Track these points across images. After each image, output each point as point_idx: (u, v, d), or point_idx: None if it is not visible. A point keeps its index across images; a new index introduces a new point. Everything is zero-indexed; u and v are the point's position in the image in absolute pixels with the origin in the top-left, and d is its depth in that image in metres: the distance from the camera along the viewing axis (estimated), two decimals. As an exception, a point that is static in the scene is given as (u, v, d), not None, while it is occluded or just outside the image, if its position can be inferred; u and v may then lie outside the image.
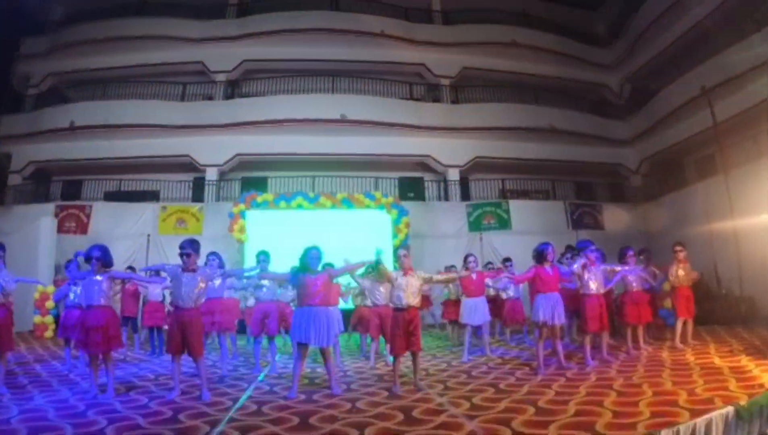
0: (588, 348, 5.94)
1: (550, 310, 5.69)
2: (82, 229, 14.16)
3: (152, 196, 15.75)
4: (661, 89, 14.92)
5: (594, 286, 6.07)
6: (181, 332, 4.81)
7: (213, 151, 15.48)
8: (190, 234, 12.99)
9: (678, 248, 7.05)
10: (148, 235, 13.76)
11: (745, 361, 5.37)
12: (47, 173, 16.59)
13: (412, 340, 5.09)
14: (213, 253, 6.48)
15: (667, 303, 8.68)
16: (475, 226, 14.10)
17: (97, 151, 15.55)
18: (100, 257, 4.97)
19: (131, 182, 15.99)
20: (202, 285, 4.95)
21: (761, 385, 4.24)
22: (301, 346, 4.94)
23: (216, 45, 16.14)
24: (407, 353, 5.18)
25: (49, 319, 10.84)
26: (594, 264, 6.19)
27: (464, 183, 15.93)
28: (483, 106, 16.04)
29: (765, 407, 3.89)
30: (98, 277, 4.96)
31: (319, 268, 5.12)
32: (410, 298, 5.13)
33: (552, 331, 5.75)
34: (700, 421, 3.49)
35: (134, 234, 13.89)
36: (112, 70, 16.35)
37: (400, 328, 5.09)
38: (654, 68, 15.69)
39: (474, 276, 6.96)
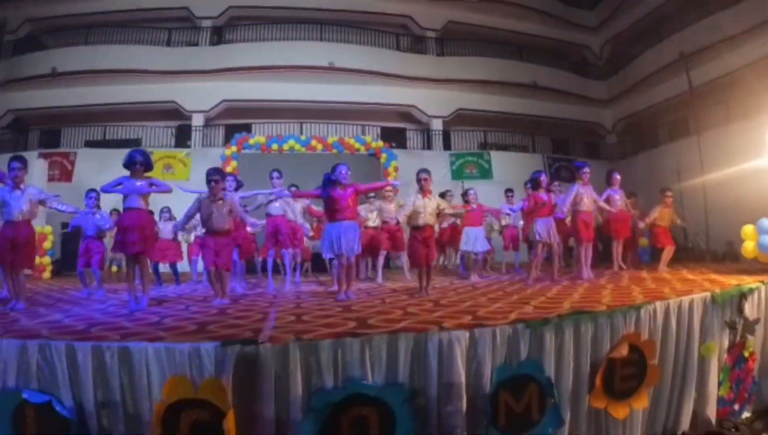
0: (582, 260, 6.76)
1: (547, 230, 6.50)
2: (66, 176, 14.07)
3: (134, 144, 15.57)
4: (639, 53, 15.76)
5: (587, 202, 6.88)
6: (216, 252, 5.26)
7: (199, 97, 15.51)
8: (177, 179, 13.04)
9: (668, 194, 7.84)
10: None
11: (714, 276, 6.22)
12: (25, 123, 16.32)
13: (430, 253, 5.71)
14: (230, 175, 6.88)
15: (644, 241, 9.62)
16: (458, 174, 14.76)
17: (80, 98, 15.35)
18: (144, 162, 5.17)
19: (112, 131, 15.92)
20: (231, 210, 5.44)
21: (730, 284, 5.04)
22: (339, 257, 5.41)
23: (202, -11, 15.95)
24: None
25: (47, 259, 10.92)
26: (587, 184, 6.99)
27: (446, 135, 16.54)
28: (468, 59, 16.55)
29: (735, 297, 4.71)
30: (139, 182, 5.12)
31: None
32: (428, 217, 5.75)
33: (551, 248, 6.53)
34: (685, 299, 4.26)
35: None
36: (93, 16, 15.99)
37: (419, 242, 5.72)
38: (634, 33, 16.48)
39: (474, 207, 7.63)
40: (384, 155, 12.96)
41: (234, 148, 12.63)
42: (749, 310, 4.81)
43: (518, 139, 17.42)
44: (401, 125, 16.91)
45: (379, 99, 15.76)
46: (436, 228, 7.26)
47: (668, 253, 7.76)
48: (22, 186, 5.20)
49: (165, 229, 8.34)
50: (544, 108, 16.78)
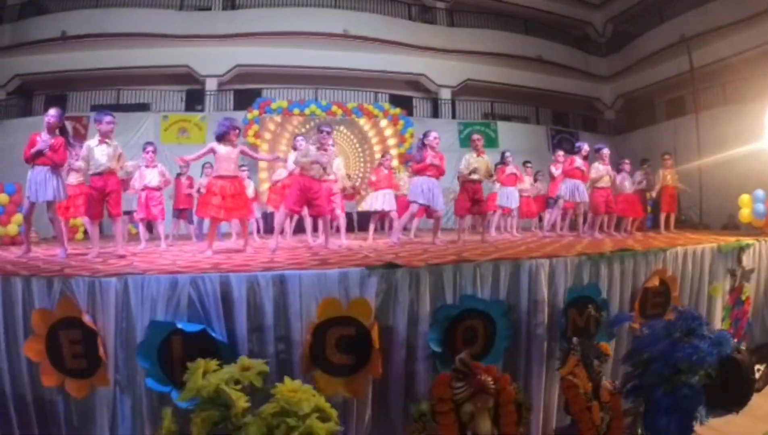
0: (597, 226, 7.83)
1: (572, 191, 7.60)
2: (80, 139, 14.26)
3: (143, 108, 15.93)
4: (640, 33, 16.76)
5: (606, 179, 7.91)
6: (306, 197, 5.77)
7: (213, 61, 15.89)
8: (193, 143, 13.41)
9: (666, 157, 8.94)
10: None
11: (715, 236, 7.34)
12: (29, 88, 16.38)
13: (481, 206, 6.72)
14: (300, 135, 7.61)
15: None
16: (466, 142, 15.57)
17: (90, 62, 15.48)
18: (238, 129, 5.70)
19: (120, 95, 16.13)
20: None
21: (731, 240, 6.15)
22: (415, 206, 6.38)
23: (212, -47, 16.15)
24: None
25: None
26: (607, 163, 8.01)
27: (451, 104, 17.34)
28: (476, 31, 17.29)
29: (735, 249, 5.81)
30: (232, 152, 5.55)
31: None
32: (482, 174, 6.74)
33: (575, 209, 7.60)
34: (698, 247, 5.34)
35: (135, 143, 13.53)
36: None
37: (467, 194, 6.72)
38: (636, 12, 17.47)
39: (508, 169, 8.76)
40: (401, 122, 13.84)
41: (256, 112, 13.29)
42: (746, 261, 5.93)
43: (519, 111, 18.38)
44: (408, 93, 17.67)
45: (390, 67, 16.44)
46: None
47: (670, 219, 8.89)
48: (108, 140, 5.50)
49: None
50: (547, 81, 17.72)
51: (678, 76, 14.94)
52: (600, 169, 7.93)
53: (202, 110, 15.83)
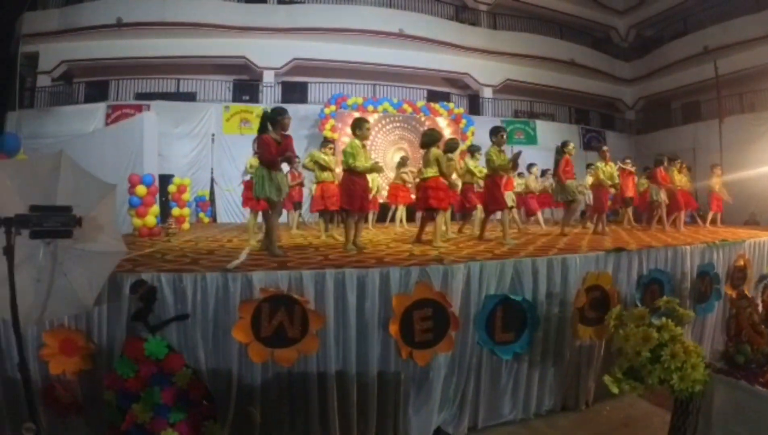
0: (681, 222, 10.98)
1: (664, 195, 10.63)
2: None
3: (189, 97, 17.63)
4: (663, 39, 20.08)
5: (681, 181, 11.00)
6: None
7: (271, 54, 17.93)
8: (255, 134, 15.36)
9: (716, 168, 12.14)
10: (213, 135, 16.03)
11: (756, 231, 10.58)
12: (70, 74, 17.82)
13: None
14: None
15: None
16: (508, 140, 18.52)
17: (143, 50, 17.12)
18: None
19: (164, 84, 17.87)
20: None
21: (776, 234, 9.32)
22: None
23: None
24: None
25: (187, 211, 11.84)
26: (682, 170, 11.11)
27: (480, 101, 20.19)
28: (517, 34, 20.24)
29: (782, 241, 8.99)
30: None
31: None
32: (607, 177, 9.61)
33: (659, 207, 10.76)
34: (760, 239, 8.46)
35: (197, 133, 15.86)
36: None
37: (603, 196, 9.60)
38: (659, 21, 20.80)
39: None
40: (463, 121, 16.64)
41: (333, 107, 15.66)
42: (786, 250, 9.13)
43: (545, 108, 21.51)
44: (446, 90, 20.49)
45: (438, 65, 19.17)
46: None
47: (716, 217, 12.17)
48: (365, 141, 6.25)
49: None
50: (575, 82, 20.93)
51: (698, 83, 18.26)
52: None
53: (248, 100, 17.87)
